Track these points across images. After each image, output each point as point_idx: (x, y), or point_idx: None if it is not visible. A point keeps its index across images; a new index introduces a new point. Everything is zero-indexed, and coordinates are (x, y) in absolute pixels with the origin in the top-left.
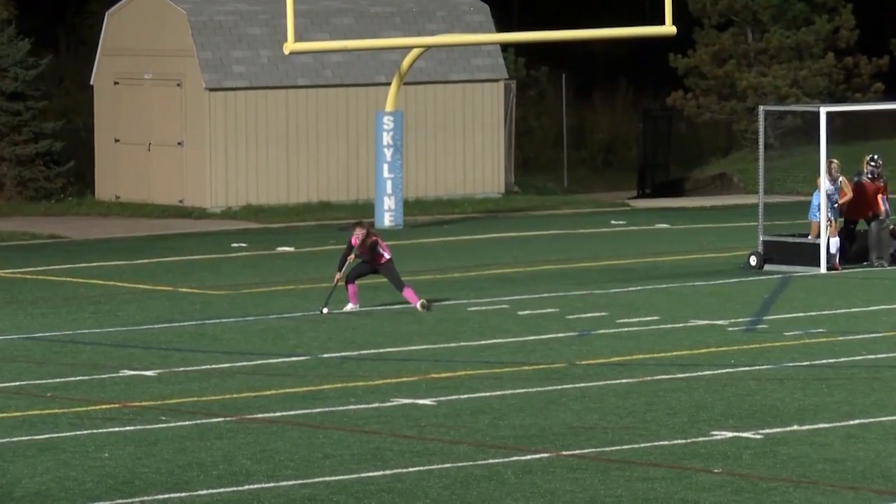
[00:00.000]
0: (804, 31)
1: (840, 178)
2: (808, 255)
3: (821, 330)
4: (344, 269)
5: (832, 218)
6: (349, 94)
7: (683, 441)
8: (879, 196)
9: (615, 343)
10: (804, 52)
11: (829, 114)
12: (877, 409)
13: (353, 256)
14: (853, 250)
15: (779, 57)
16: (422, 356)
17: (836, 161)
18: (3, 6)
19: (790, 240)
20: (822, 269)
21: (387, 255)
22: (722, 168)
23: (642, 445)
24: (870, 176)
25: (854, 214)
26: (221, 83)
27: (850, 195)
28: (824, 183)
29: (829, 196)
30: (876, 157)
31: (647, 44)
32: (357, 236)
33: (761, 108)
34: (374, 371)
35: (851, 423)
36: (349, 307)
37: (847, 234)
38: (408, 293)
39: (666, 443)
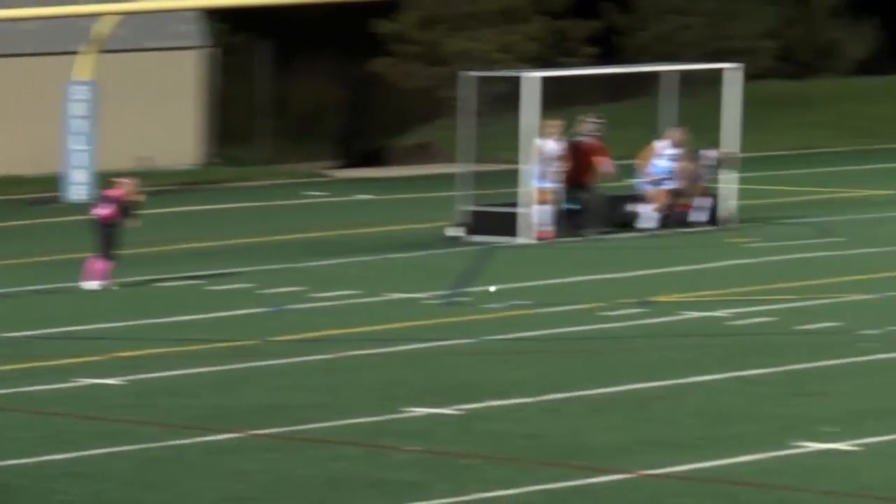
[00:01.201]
0: None
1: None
2: (515, 224)
3: (523, 302)
4: None
5: (546, 186)
6: (41, 64)
7: (379, 418)
8: (599, 158)
9: (310, 318)
10: (514, 15)
11: (539, 79)
12: (577, 382)
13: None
14: (575, 218)
15: (488, 21)
16: (110, 334)
17: (558, 122)
18: None
19: (496, 209)
20: (529, 239)
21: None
22: (427, 136)
23: (336, 423)
24: (586, 135)
25: (576, 179)
26: None
27: (568, 162)
28: (532, 152)
29: (548, 160)
30: (595, 114)
31: (352, 9)
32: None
33: (466, 73)
34: (60, 350)
35: (551, 397)
36: (93, 285)
37: (570, 201)
38: (100, 265)
39: (360, 420)
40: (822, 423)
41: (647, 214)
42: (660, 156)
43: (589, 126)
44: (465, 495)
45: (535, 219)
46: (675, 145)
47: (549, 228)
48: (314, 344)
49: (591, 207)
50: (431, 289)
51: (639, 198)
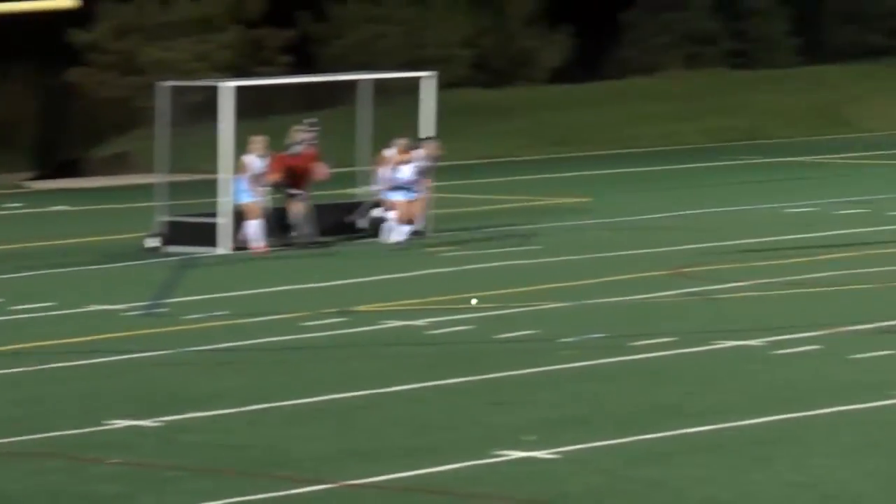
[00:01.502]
0: (210, 2)
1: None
2: (214, 235)
3: (223, 312)
4: None
5: (254, 200)
6: None
7: (79, 431)
8: (315, 165)
9: (8, 331)
10: (209, 24)
11: (234, 88)
12: (279, 392)
13: None
14: (286, 228)
15: (183, 30)
16: None
17: (262, 138)
18: None
19: (195, 220)
20: (228, 249)
21: None
22: (124, 146)
23: (36, 437)
24: (300, 144)
25: (297, 185)
26: None
27: (276, 175)
28: (227, 161)
29: (255, 176)
30: (308, 122)
31: (48, 18)
32: None
33: (162, 84)
34: None
35: (253, 408)
36: None
37: (280, 210)
38: None
39: (62, 433)
40: (522, 431)
41: (387, 224)
42: (410, 164)
43: (303, 135)
44: None
45: (250, 230)
46: (430, 157)
47: (262, 243)
48: (12, 357)
49: (302, 216)
50: (130, 300)
51: (370, 205)
